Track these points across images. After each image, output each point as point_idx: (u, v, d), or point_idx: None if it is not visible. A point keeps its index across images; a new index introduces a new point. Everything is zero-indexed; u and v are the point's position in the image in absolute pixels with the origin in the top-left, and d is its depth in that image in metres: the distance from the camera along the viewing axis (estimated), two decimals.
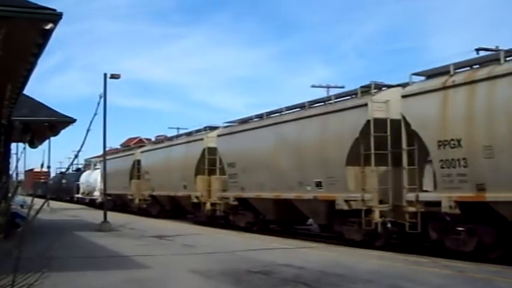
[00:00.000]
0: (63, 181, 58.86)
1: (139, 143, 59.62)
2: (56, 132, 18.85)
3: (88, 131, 3.81)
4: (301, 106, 18.43)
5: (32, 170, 74.07)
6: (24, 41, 8.07)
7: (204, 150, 24.32)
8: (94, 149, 68.15)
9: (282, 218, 20.13)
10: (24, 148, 18.76)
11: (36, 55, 8.70)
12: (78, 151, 4.24)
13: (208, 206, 23.83)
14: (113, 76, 24.16)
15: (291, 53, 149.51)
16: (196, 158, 24.72)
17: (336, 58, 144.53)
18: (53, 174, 70.02)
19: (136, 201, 33.74)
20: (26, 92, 13.03)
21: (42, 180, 69.93)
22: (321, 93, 33.77)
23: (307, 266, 11.08)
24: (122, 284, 9.32)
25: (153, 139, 45.35)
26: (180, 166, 26.61)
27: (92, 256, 13.31)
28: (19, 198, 30.35)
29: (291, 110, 19.11)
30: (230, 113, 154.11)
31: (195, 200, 24.67)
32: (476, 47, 12.77)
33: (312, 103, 17.93)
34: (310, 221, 20.00)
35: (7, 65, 8.78)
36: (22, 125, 16.67)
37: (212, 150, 23.86)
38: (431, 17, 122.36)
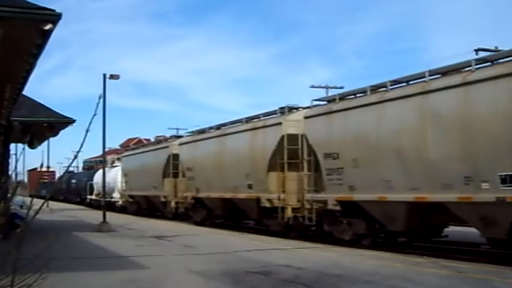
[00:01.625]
0: (73, 181, 53.39)
1: (139, 143, 59.24)
2: (55, 133, 18.87)
3: (87, 131, 3.81)
4: (459, 68, 12.86)
5: (35, 169, 71.14)
6: (24, 41, 8.09)
7: (282, 137, 18.28)
8: (94, 150, 68.23)
9: (414, 229, 14.19)
10: (24, 148, 18.81)
11: (36, 55, 8.71)
12: (78, 151, 4.23)
13: (289, 212, 17.97)
14: (112, 76, 24.16)
15: (291, 54, 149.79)
16: (271, 148, 18.82)
17: (336, 59, 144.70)
18: (58, 174, 65.59)
19: (172, 204, 27.82)
20: (25, 92, 13.08)
21: (46, 180, 67.74)
22: (320, 94, 33.68)
23: (307, 267, 11.07)
24: (121, 285, 9.31)
25: (152, 139, 44.84)
26: (242, 160, 20.64)
27: (90, 257, 13.30)
28: (18, 198, 30.28)
29: (435, 74, 13.37)
30: (230, 113, 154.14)
31: (267, 204, 18.88)
32: (476, 48, 12.68)
33: (479, 61, 12.32)
34: (448, 230, 15.11)
35: (6, 65, 8.80)
36: (21, 125, 16.68)
37: (293, 138, 17.99)
38: (431, 17, 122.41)
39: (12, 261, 3.40)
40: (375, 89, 15.12)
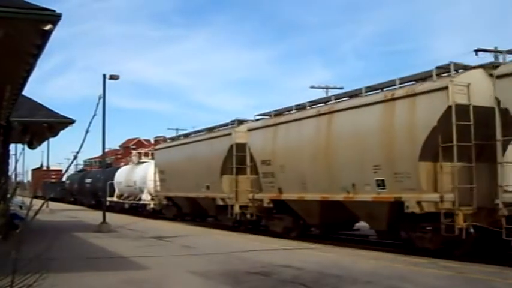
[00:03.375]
0: (87, 180, 46.64)
1: (138, 144, 59.09)
2: (54, 133, 18.85)
3: (87, 132, 3.80)
4: None
5: (40, 168, 66.39)
6: (23, 41, 8.08)
7: (448, 109, 12.17)
8: (93, 150, 68.20)
9: None
10: (23, 149, 18.78)
11: (35, 56, 8.69)
12: (77, 152, 4.19)
13: (460, 221, 12.01)
14: (112, 77, 24.17)
15: (290, 55, 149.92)
16: (427, 126, 12.72)
17: (335, 60, 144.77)
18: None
19: (236, 209, 21.34)
20: (25, 93, 13.06)
21: (53, 180, 65.93)
22: (320, 94, 33.77)
23: (306, 267, 11.07)
24: (120, 285, 9.31)
25: (152, 140, 44.35)
26: (366, 146, 14.54)
27: (90, 257, 13.28)
28: (17, 199, 30.22)
29: None
30: (230, 113, 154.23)
31: (415, 210, 13.00)
32: (475, 48, 12.59)
33: None
34: None
35: (6, 65, 8.79)
36: (21, 125, 16.67)
37: (462, 110, 12.05)
38: (431, 18, 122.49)
39: (11, 262, 3.40)
40: None
